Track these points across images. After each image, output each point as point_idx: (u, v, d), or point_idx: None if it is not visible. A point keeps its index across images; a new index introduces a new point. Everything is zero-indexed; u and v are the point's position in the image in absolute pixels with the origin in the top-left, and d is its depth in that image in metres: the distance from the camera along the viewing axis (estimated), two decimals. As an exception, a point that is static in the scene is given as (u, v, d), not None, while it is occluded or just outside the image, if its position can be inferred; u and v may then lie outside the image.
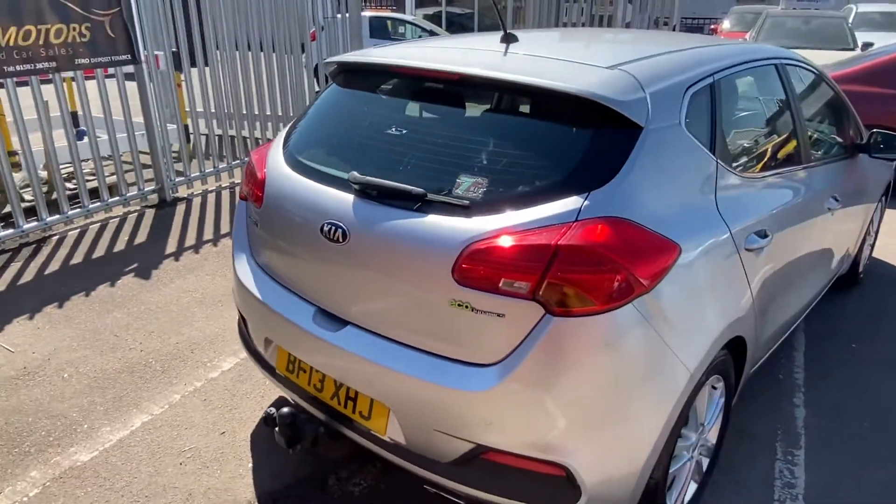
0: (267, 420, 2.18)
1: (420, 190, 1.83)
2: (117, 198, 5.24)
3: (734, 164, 2.18)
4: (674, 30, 12.09)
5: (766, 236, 2.20)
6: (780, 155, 2.59)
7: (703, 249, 1.89)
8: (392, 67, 2.20)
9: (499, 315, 1.69)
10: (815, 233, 2.77)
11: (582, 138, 1.84)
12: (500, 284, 1.67)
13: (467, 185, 1.81)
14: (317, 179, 2.09)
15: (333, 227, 1.94)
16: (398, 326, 1.88)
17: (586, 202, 1.70)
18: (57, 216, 4.79)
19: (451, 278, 1.72)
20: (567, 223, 1.67)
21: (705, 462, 2.32)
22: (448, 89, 2.11)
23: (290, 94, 6.76)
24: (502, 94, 2.14)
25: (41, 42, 4.46)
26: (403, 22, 12.75)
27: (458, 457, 1.82)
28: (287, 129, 2.46)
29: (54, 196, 4.85)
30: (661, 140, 1.86)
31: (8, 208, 4.63)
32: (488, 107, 2.20)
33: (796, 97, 2.75)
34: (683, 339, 1.81)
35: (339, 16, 7.25)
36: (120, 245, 4.61)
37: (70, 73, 4.88)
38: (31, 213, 4.77)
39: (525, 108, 2.08)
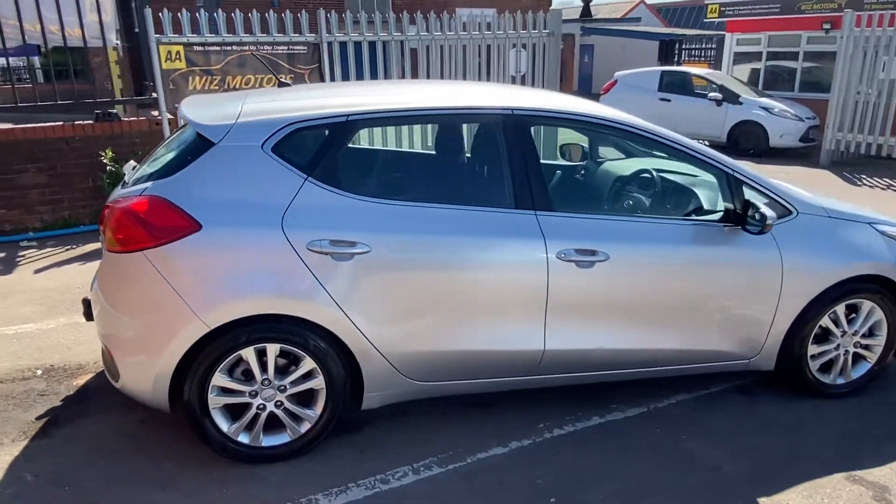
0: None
1: (131, 172, 2.99)
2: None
3: (343, 187, 2.67)
4: None
5: (352, 246, 2.60)
6: (438, 190, 2.87)
7: (234, 234, 2.56)
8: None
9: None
10: (521, 276, 2.82)
11: (185, 146, 2.75)
12: (99, 227, 2.74)
13: (140, 174, 2.88)
14: None
15: None
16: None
17: (150, 185, 2.63)
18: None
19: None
20: (133, 196, 2.63)
21: (306, 425, 2.79)
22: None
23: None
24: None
25: (257, 86, 6.72)
26: (699, 76, 12.48)
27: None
28: None
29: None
30: (228, 154, 2.62)
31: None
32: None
33: (526, 149, 2.85)
34: (196, 293, 2.53)
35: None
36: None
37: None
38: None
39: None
